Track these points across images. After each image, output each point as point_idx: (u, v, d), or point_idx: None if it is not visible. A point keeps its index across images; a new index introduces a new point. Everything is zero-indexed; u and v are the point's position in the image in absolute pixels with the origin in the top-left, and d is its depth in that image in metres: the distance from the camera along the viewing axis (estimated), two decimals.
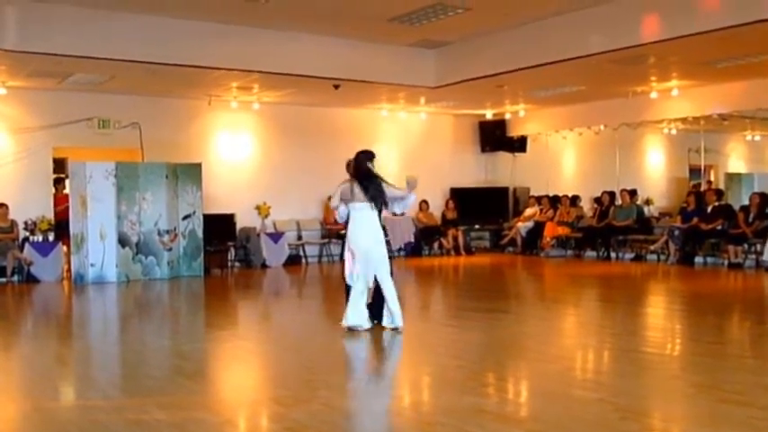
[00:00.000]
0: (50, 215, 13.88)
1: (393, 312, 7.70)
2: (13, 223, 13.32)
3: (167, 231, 13.63)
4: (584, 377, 6.28)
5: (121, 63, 11.70)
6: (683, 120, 17.27)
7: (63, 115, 14.04)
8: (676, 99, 15.42)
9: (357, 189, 7.71)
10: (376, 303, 7.90)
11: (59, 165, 14.80)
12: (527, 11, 11.87)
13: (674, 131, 19.43)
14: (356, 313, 7.66)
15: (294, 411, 5.21)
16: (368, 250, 7.71)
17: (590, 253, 16.58)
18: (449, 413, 4.95)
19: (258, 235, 15.50)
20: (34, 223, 13.52)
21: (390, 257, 8.07)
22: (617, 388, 5.65)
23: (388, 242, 9.59)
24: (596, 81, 14.25)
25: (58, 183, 14.63)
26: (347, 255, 7.97)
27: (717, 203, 14.70)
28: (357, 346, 6.88)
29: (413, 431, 4.74)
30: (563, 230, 17.17)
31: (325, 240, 16.59)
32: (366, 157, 7.87)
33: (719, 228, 14.24)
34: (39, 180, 14.08)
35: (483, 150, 19.34)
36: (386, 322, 7.77)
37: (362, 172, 7.78)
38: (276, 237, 15.48)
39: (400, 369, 6.69)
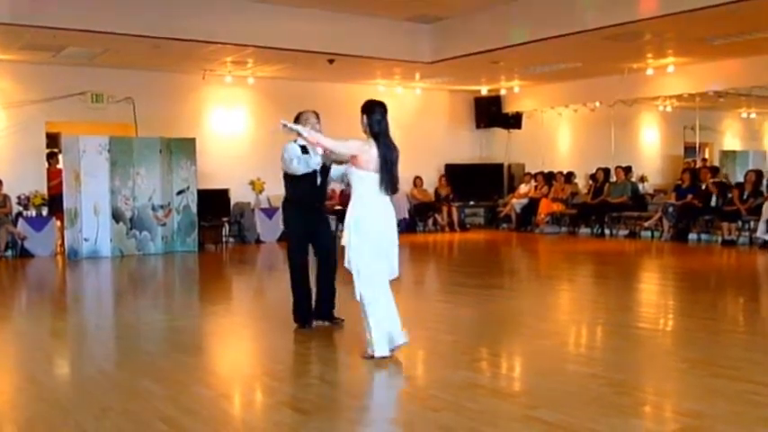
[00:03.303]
0: (44, 190, 13.83)
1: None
2: (6, 198, 13.26)
3: (161, 206, 13.61)
4: (578, 352, 6.29)
5: (115, 36, 11.58)
6: (679, 97, 17.26)
7: (56, 89, 13.92)
8: (672, 76, 15.40)
9: (381, 153, 5.66)
10: (324, 298, 6.85)
11: (52, 139, 14.70)
12: None
13: (669, 109, 19.44)
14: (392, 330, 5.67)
15: (288, 385, 5.24)
16: (386, 234, 5.81)
17: (584, 229, 16.59)
18: (443, 387, 4.96)
19: (252, 210, 15.48)
20: (27, 198, 13.47)
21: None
22: (611, 363, 5.68)
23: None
24: (592, 58, 14.19)
25: (51, 157, 14.55)
26: (354, 242, 5.73)
27: (713, 180, 14.75)
28: (351, 322, 6.87)
29: (407, 405, 4.76)
30: (558, 207, 17.17)
31: None
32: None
33: (714, 205, 14.28)
34: (32, 155, 13.98)
35: (478, 126, 19.28)
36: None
37: (387, 131, 5.78)
38: (270, 212, 15.45)
39: None
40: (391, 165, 5.67)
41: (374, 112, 5.75)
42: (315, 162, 6.41)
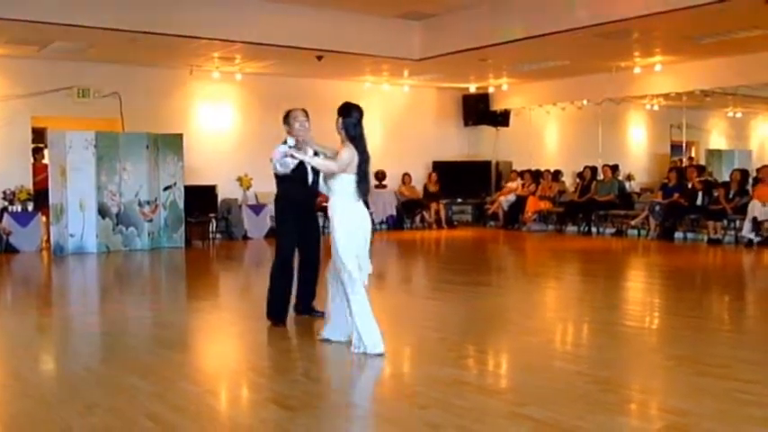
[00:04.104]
0: (29, 185, 13.71)
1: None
2: None
3: (148, 202, 13.54)
4: (565, 350, 6.31)
5: (102, 31, 11.51)
6: (666, 96, 17.32)
7: (42, 84, 13.83)
8: (659, 75, 15.43)
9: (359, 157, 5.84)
10: (305, 293, 7.01)
11: (38, 134, 14.61)
12: None
13: (656, 107, 19.52)
14: (375, 330, 5.72)
15: (274, 382, 5.22)
16: (367, 235, 5.95)
17: (571, 227, 16.63)
18: (430, 384, 4.96)
19: (240, 207, 15.43)
20: (13, 193, 13.37)
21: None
22: (597, 360, 5.69)
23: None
24: (580, 56, 14.22)
25: (37, 152, 14.44)
26: (346, 244, 5.80)
27: (699, 179, 14.83)
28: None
29: (393, 401, 4.75)
30: (545, 205, 17.20)
31: None
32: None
33: (700, 204, 14.34)
34: (17, 149, 13.89)
35: (466, 124, 19.29)
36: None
37: (363, 134, 5.93)
38: (258, 208, 15.41)
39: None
40: (366, 169, 5.86)
41: (350, 116, 5.84)
42: (292, 163, 6.44)
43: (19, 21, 10.87)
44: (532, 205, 17.20)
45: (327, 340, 6.05)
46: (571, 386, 4.91)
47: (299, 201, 6.83)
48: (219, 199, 15.35)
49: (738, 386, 4.82)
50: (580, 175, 17.17)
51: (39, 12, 10.83)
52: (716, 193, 14.24)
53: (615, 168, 16.93)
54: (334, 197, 5.90)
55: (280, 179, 6.81)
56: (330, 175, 5.89)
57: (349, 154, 5.78)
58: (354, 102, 6.01)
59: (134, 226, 13.39)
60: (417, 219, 17.94)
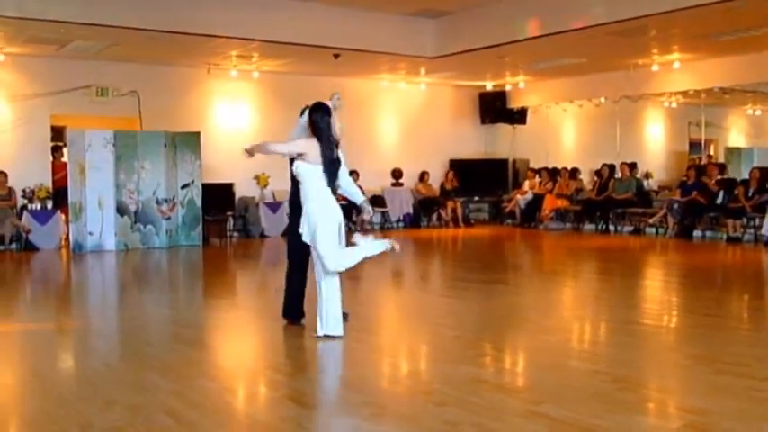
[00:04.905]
0: (49, 183, 13.84)
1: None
2: (11, 191, 13.28)
3: (166, 200, 13.61)
4: (582, 348, 6.30)
5: (121, 30, 11.58)
6: (684, 93, 17.20)
7: (61, 83, 13.94)
8: (677, 72, 15.34)
9: (322, 150, 6.15)
10: (297, 296, 6.81)
11: (57, 133, 14.73)
12: None
13: (674, 105, 19.38)
14: (339, 314, 6.26)
15: (292, 379, 5.24)
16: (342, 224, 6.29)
17: (589, 226, 16.57)
18: (446, 382, 4.96)
19: (257, 205, 15.48)
20: (32, 191, 13.49)
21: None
22: (614, 359, 5.67)
23: None
24: (597, 53, 14.17)
25: (56, 151, 14.56)
26: (321, 230, 6.11)
27: (719, 177, 14.74)
28: (354, 317, 6.88)
29: (411, 399, 4.76)
30: (562, 203, 17.15)
31: None
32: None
33: (719, 202, 14.25)
34: (37, 148, 14.01)
35: (483, 122, 19.27)
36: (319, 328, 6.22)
37: (327, 130, 6.28)
38: (275, 206, 15.45)
39: (398, 338, 6.71)
40: (330, 161, 6.15)
41: (313, 114, 6.28)
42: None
43: (39, 20, 10.95)
44: (550, 203, 17.15)
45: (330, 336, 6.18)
46: (588, 385, 4.90)
47: None
48: (237, 197, 15.42)
49: (757, 384, 4.80)
50: (598, 173, 17.11)
51: (59, 11, 10.91)
52: (735, 191, 14.15)
53: (633, 166, 16.85)
54: (306, 187, 6.19)
55: (295, 180, 6.77)
56: (300, 166, 6.16)
57: (305, 142, 6.18)
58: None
59: (152, 224, 13.47)
60: (434, 217, 17.95)
